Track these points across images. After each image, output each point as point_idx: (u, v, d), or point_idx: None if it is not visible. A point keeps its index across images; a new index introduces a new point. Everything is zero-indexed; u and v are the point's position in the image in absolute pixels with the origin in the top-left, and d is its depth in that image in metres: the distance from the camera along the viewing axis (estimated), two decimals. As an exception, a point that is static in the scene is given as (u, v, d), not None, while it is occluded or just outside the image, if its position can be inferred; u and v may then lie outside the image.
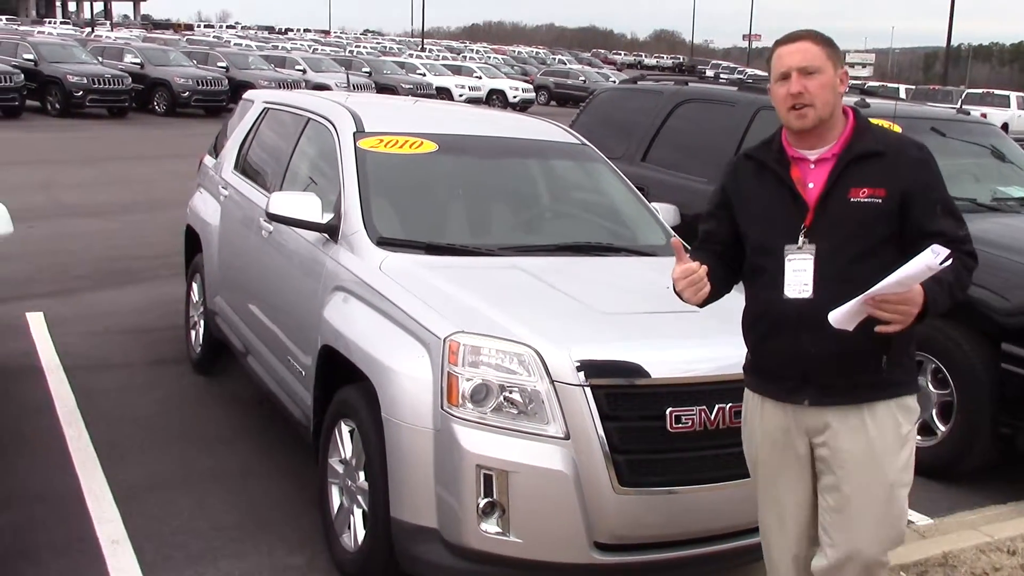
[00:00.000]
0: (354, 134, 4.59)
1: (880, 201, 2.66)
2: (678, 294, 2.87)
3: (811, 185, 2.74)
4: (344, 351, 3.80)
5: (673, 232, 4.77)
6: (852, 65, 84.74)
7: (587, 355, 3.32)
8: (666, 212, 4.96)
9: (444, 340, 3.36)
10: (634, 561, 3.39)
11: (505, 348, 3.33)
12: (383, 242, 4.11)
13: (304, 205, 4.29)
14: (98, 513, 4.22)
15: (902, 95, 30.16)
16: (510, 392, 3.29)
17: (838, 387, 2.71)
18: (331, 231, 4.30)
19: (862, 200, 2.67)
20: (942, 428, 5.01)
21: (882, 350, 2.67)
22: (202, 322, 6.09)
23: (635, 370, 3.34)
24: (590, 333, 3.48)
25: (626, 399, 3.32)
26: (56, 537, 4.00)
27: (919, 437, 3.50)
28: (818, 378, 2.72)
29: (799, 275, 2.71)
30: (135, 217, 11.64)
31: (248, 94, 6.58)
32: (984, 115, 17.56)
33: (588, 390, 3.27)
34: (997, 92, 35.31)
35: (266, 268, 4.96)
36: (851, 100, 6.49)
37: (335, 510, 3.94)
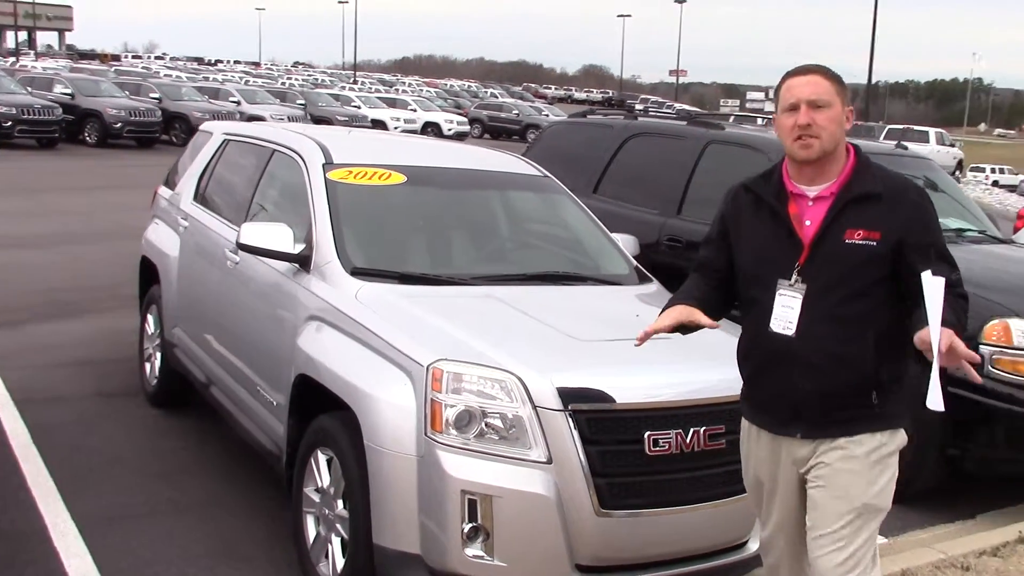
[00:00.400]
0: (323, 165, 4.64)
1: (875, 244, 2.68)
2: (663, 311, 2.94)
3: (808, 223, 2.77)
4: (323, 380, 3.83)
5: (635, 261, 4.90)
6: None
7: (568, 381, 3.40)
8: (626, 242, 5.09)
9: (427, 368, 3.42)
10: (614, 583, 3.47)
11: (488, 375, 3.40)
12: (357, 272, 4.15)
13: (276, 236, 4.32)
14: (64, 548, 4.16)
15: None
16: (493, 418, 3.36)
17: (829, 421, 2.75)
18: (303, 261, 4.33)
19: (857, 242, 2.69)
20: (892, 450, 5.19)
21: (872, 386, 2.71)
22: (159, 354, 6.03)
23: (615, 396, 3.43)
24: (570, 360, 3.57)
25: (606, 424, 3.41)
26: (25, 575, 3.93)
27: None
28: (809, 413, 2.76)
29: (786, 311, 2.75)
30: (75, 248, 11.45)
31: (205, 126, 6.57)
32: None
33: (570, 415, 3.35)
34: (916, 128, 36.64)
35: (232, 298, 4.96)
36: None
37: (311, 539, 3.94)
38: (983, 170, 45.78)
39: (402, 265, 4.34)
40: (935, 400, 2.43)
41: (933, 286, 2.42)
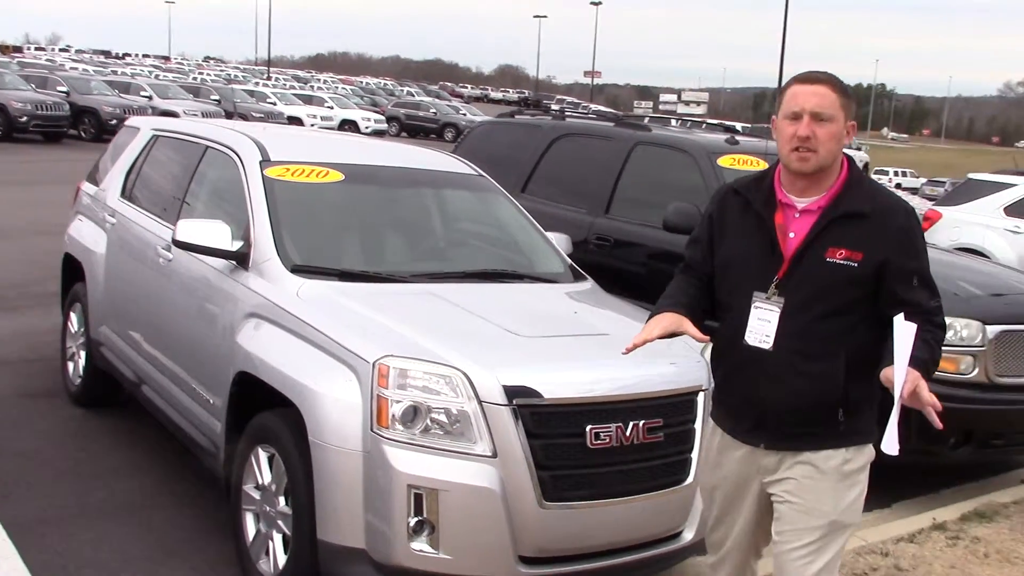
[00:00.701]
0: (260, 163, 4.62)
1: (855, 265, 2.63)
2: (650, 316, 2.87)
3: (792, 235, 2.71)
4: (265, 377, 3.83)
5: (569, 260, 5.00)
6: (688, 103, 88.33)
7: (513, 377, 3.46)
8: (560, 241, 5.18)
9: (374, 364, 3.45)
10: (557, 573, 3.54)
11: (434, 371, 3.44)
12: (297, 269, 4.16)
13: (213, 233, 4.29)
14: (-7, 551, 4.07)
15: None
16: (438, 413, 3.41)
17: (794, 435, 2.74)
18: (241, 259, 4.31)
19: (838, 261, 2.65)
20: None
21: (840, 404, 2.69)
22: (83, 353, 5.91)
23: (558, 391, 3.51)
24: (513, 356, 3.63)
25: (549, 418, 3.48)
26: (-48, 577, 3.84)
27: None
28: (774, 425, 2.75)
29: (763, 324, 2.71)
30: (-18, 246, 11.06)
31: (132, 120, 6.46)
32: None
33: (514, 410, 3.42)
34: (824, 132, 37.56)
35: (164, 296, 4.90)
36: (722, 138, 6.93)
37: (250, 536, 3.93)
38: (887, 173, 47.38)
39: (342, 263, 4.35)
40: (890, 444, 2.42)
41: (904, 330, 2.42)
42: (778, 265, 2.71)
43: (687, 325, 2.76)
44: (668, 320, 2.77)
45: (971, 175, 12.37)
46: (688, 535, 3.83)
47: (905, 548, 4.63)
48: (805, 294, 2.67)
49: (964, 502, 5.37)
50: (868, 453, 2.79)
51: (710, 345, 4.06)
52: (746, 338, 2.74)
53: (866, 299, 2.67)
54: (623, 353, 2.87)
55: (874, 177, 41.24)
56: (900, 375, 2.42)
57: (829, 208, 2.69)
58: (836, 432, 2.73)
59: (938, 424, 2.49)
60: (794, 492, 2.76)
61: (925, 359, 2.54)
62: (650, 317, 2.86)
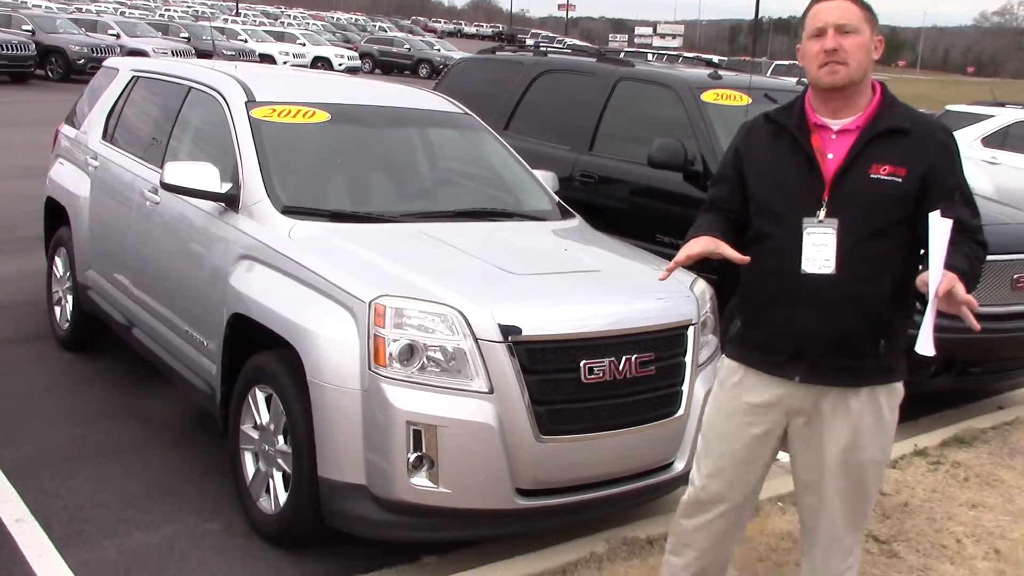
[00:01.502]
0: (246, 103, 4.59)
1: (900, 180, 2.58)
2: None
3: (831, 156, 2.65)
4: (260, 319, 3.85)
5: (556, 197, 5.02)
6: (663, 36, 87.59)
7: (507, 314, 3.51)
8: (547, 178, 5.20)
9: (369, 303, 3.48)
10: (554, 504, 3.64)
11: (429, 309, 3.48)
12: (288, 211, 4.16)
13: (201, 175, 4.28)
14: (-7, 494, 4.12)
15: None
16: (434, 351, 3.46)
17: (832, 367, 2.67)
18: (230, 201, 4.31)
19: (883, 177, 2.59)
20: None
21: (882, 333, 2.64)
22: (69, 297, 5.90)
23: (552, 327, 3.57)
24: (507, 293, 3.68)
25: (544, 354, 3.54)
26: (-46, 521, 3.89)
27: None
28: (813, 355, 2.67)
29: (820, 250, 2.62)
30: (-44, 191, 10.90)
31: (110, 61, 6.36)
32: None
33: (510, 347, 3.47)
34: (801, 64, 37.37)
35: (152, 239, 4.90)
36: (704, 73, 6.92)
37: (250, 475, 4.00)
38: (862, 105, 47.26)
39: (332, 203, 4.36)
40: (925, 344, 2.34)
41: (940, 226, 2.35)
42: (820, 187, 2.64)
43: (724, 247, 2.70)
44: (706, 241, 2.72)
45: (948, 107, 12.42)
46: (679, 465, 3.92)
47: (888, 474, 4.75)
48: (851, 214, 2.60)
49: (944, 428, 5.52)
50: (900, 392, 2.77)
51: (698, 280, 4.14)
52: (803, 267, 2.62)
53: (909, 221, 2.61)
54: (660, 279, 2.87)
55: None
56: (936, 273, 2.34)
57: (869, 125, 2.64)
58: (874, 364, 2.68)
59: (975, 326, 2.37)
60: (827, 437, 2.72)
61: (964, 269, 2.45)
62: (684, 243, 2.79)
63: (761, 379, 2.79)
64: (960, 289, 2.36)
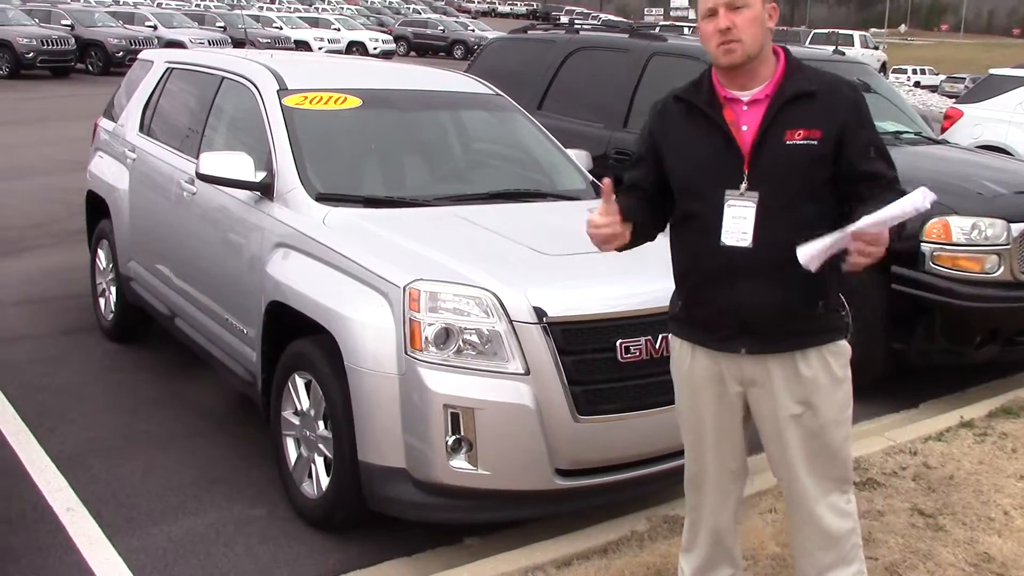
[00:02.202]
0: (278, 92, 4.62)
1: (816, 143, 2.58)
2: (589, 236, 2.76)
3: (745, 128, 2.64)
4: (297, 305, 3.89)
5: (590, 176, 5.00)
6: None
7: (542, 295, 3.51)
8: (580, 158, 5.17)
9: (404, 288, 3.50)
10: (593, 484, 3.65)
11: (464, 292, 3.49)
12: (322, 197, 4.19)
13: (236, 164, 4.31)
14: (45, 483, 4.20)
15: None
16: (469, 334, 3.46)
17: (775, 335, 2.67)
18: (265, 189, 4.34)
19: (798, 142, 2.59)
20: (839, 347, 5.45)
21: (819, 296, 2.66)
22: (113, 288, 6.00)
23: (587, 307, 3.56)
24: (541, 274, 3.68)
25: (580, 334, 3.54)
26: (8, 510, 3.97)
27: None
28: (755, 327, 2.67)
29: (739, 223, 2.63)
30: (2, 185, 11.11)
31: (145, 54, 6.44)
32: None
33: (545, 328, 3.47)
34: (841, 31, 36.94)
35: (190, 229, 4.95)
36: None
37: (292, 460, 4.04)
38: (904, 71, 46.53)
39: (365, 189, 4.39)
40: (807, 255, 2.40)
41: (916, 199, 2.30)
42: (739, 160, 2.63)
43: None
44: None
45: (992, 71, 12.16)
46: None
47: (933, 446, 4.71)
48: (773, 183, 2.60)
49: (991, 399, 5.43)
50: (847, 350, 2.78)
51: None
52: (722, 239, 2.64)
53: (830, 181, 2.63)
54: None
55: (892, 76, 40.69)
56: (870, 220, 2.33)
57: (777, 93, 2.63)
58: (817, 326, 2.69)
59: (852, 266, 2.41)
60: (785, 402, 2.71)
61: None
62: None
63: (710, 355, 2.79)
64: (882, 236, 2.37)
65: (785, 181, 2.60)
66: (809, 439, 2.75)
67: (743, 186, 2.62)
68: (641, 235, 2.83)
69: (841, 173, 2.62)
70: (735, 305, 2.67)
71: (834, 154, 2.60)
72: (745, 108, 2.67)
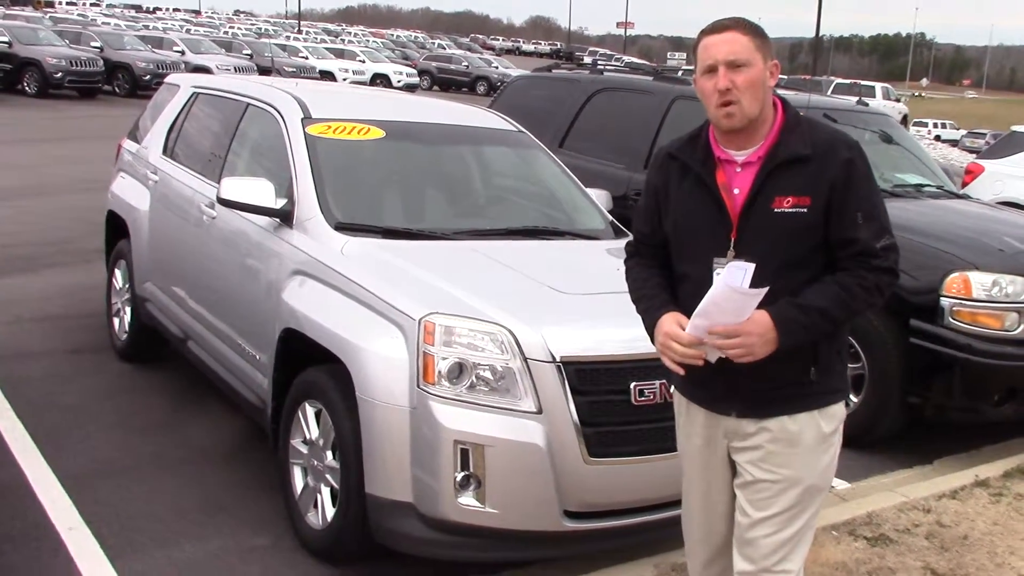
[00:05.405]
0: (302, 120, 4.64)
1: (806, 211, 2.49)
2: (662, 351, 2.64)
3: (736, 191, 2.57)
4: (311, 334, 3.87)
5: (610, 216, 4.99)
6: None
7: (558, 334, 3.49)
8: (601, 197, 5.17)
9: (419, 321, 3.48)
10: (602, 527, 3.59)
11: (479, 328, 3.47)
12: (341, 227, 4.19)
13: (257, 190, 4.33)
14: (50, 501, 4.18)
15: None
16: (483, 370, 3.44)
17: (766, 400, 2.59)
18: (285, 216, 4.35)
19: (787, 210, 2.50)
20: (854, 399, 5.39)
21: (810, 363, 2.56)
22: (128, 309, 6.00)
23: (603, 348, 3.53)
24: (558, 313, 3.65)
25: (594, 375, 3.50)
26: (11, 528, 3.94)
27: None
28: (745, 391, 2.59)
29: None
30: (24, 203, 11.21)
31: (171, 78, 6.49)
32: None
33: (559, 367, 3.44)
34: (863, 83, 37.05)
35: (209, 253, 4.96)
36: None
37: (298, 490, 4.01)
38: (926, 125, 46.59)
39: (385, 220, 4.39)
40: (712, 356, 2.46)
41: (728, 277, 2.33)
42: (728, 225, 2.55)
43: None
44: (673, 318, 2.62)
45: (1015, 127, 12.15)
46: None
47: (947, 504, 4.64)
48: (761, 249, 2.49)
49: (1007, 459, 5.36)
50: (841, 413, 2.68)
51: None
52: None
53: (821, 246, 2.53)
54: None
55: (913, 129, 40.72)
56: (699, 307, 2.40)
57: (768, 156, 2.53)
58: (809, 392, 2.59)
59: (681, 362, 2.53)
60: (767, 460, 2.61)
61: (820, 307, 2.45)
62: (650, 325, 2.71)
63: (703, 413, 2.73)
64: (747, 339, 2.42)
65: (773, 249, 2.51)
66: (782, 502, 2.61)
67: (730, 253, 2.54)
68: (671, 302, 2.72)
69: (829, 237, 2.52)
70: (725, 369, 2.55)
71: (824, 219, 2.51)
72: (739, 170, 2.58)
